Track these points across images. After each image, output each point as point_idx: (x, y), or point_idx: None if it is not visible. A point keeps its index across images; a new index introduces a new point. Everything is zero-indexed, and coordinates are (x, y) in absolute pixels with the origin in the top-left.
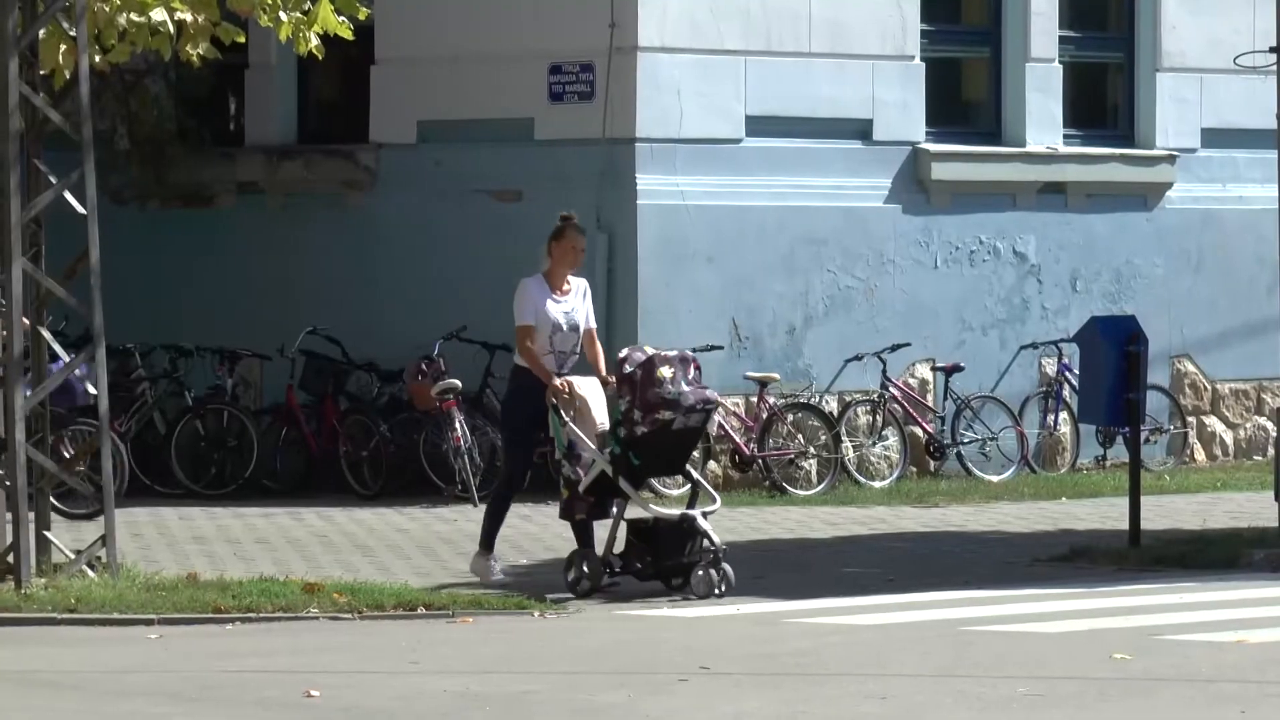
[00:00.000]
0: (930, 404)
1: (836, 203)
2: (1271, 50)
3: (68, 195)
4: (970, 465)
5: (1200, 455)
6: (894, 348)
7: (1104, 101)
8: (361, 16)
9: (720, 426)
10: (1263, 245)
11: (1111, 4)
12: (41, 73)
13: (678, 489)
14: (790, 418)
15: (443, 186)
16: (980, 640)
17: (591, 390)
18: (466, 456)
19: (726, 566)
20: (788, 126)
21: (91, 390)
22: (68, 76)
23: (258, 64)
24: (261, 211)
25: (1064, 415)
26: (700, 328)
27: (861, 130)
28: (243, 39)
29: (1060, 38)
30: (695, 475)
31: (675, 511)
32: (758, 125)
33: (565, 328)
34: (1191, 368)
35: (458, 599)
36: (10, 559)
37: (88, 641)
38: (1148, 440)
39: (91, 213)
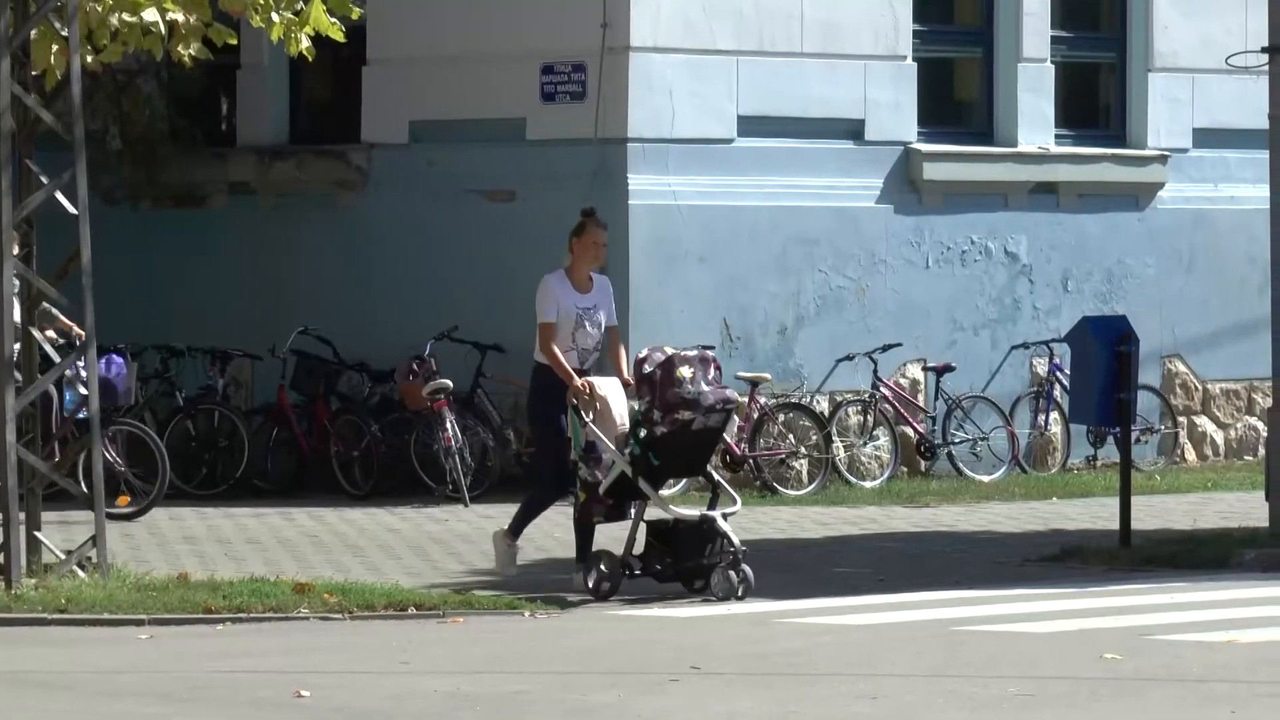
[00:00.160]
0: (921, 404)
1: (828, 203)
2: (1263, 50)
3: (59, 195)
4: (961, 465)
5: (1191, 455)
6: (885, 348)
7: (1096, 101)
8: (354, 17)
9: None
10: (1254, 245)
11: (1104, 4)
12: (33, 73)
13: (668, 489)
14: (781, 418)
15: (435, 187)
16: (971, 640)
17: (612, 391)
18: (458, 457)
19: (746, 568)
20: (780, 126)
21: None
22: (59, 76)
23: (249, 64)
24: (253, 212)
25: (1055, 415)
26: (692, 327)
27: (853, 130)
28: (234, 40)
29: (1052, 38)
30: (716, 477)
31: (695, 512)
32: (750, 125)
33: (587, 325)
34: (1182, 368)
35: (449, 599)
36: (1, 559)
37: (78, 642)
38: (1138, 440)
39: (83, 213)
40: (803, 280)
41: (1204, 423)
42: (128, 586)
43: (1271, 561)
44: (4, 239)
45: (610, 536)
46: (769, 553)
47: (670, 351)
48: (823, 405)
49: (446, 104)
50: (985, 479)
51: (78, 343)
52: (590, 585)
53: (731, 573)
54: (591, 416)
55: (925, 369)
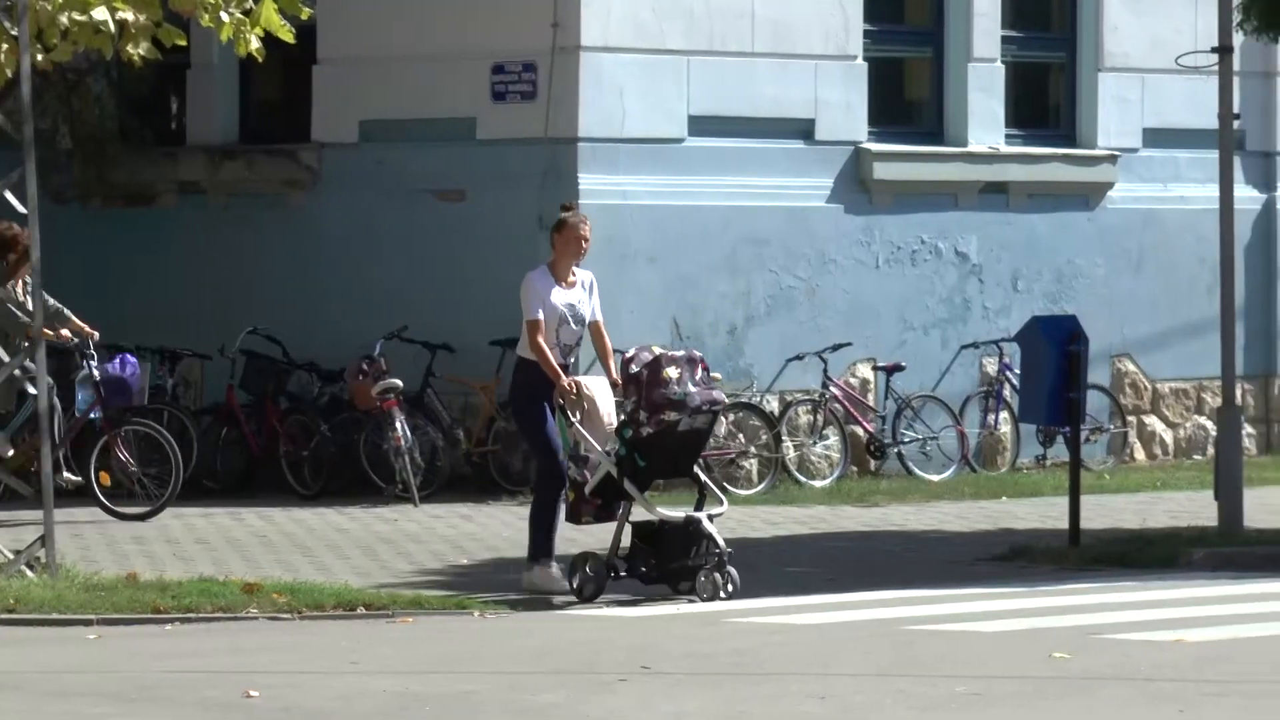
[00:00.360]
0: (871, 403)
1: (779, 202)
2: (1213, 50)
3: (9, 195)
4: (911, 465)
5: (1140, 454)
6: (835, 347)
7: (1046, 101)
8: (304, 16)
9: None
10: (1203, 245)
11: (1054, 4)
12: None
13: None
14: (731, 417)
15: (385, 186)
16: (920, 639)
17: (600, 390)
18: (407, 456)
19: (732, 569)
20: (730, 126)
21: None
22: (9, 75)
23: (199, 64)
24: (203, 211)
25: (1004, 415)
26: (642, 327)
27: (804, 130)
28: (184, 40)
29: (1002, 38)
30: (703, 478)
31: (681, 513)
32: (700, 125)
33: (571, 321)
34: (1132, 367)
35: (398, 599)
36: None
37: (26, 642)
38: (1088, 439)
39: (33, 212)
40: (753, 280)
41: (1153, 422)
42: (76, 587)
43: (1220, 561)
44: None
45: (592, 538)
46: None
47: (658, 351)
48: (773, 405)
49: (397, 103)
50: (935, 478)
51: (91, 343)
52: (575, 587)
53: (717, 574)
54: (579, 416)
55: (875, 368)
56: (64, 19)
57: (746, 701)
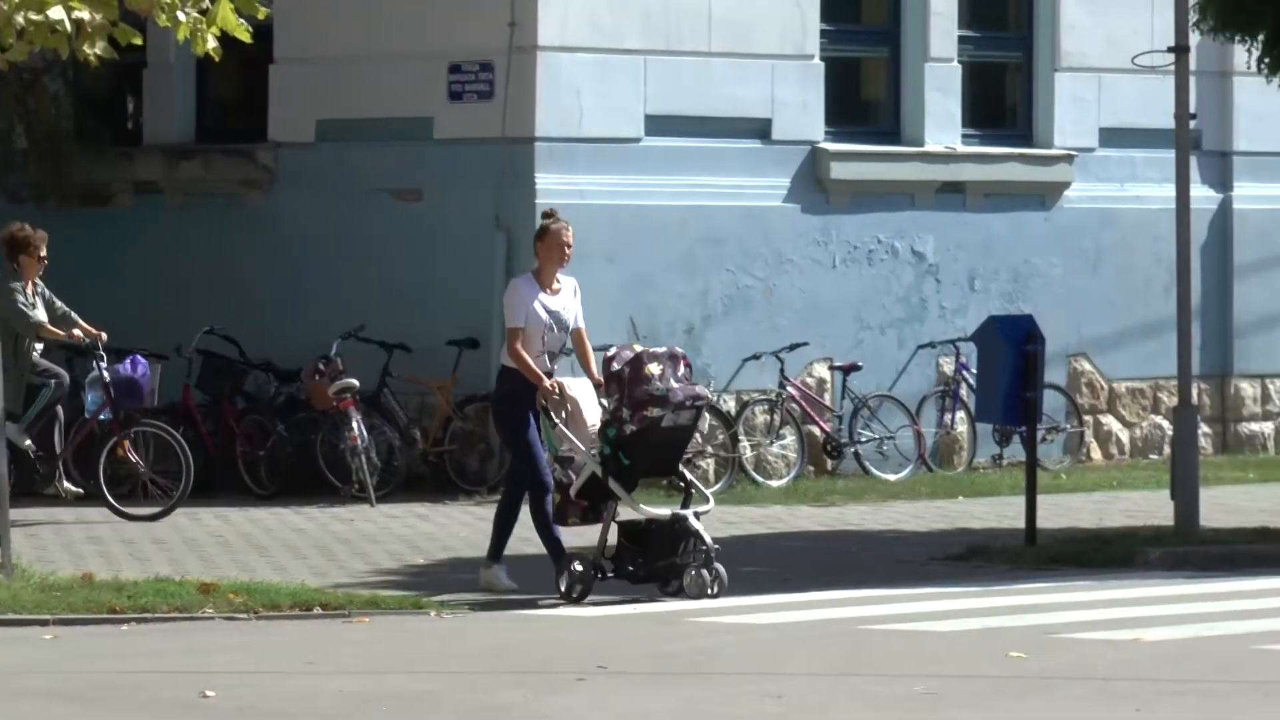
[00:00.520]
0: (828, 403)
1: (736, 202)
2: (1169, 50)
3: None
4: (867, 464)
5: (1097, 454)
6: (792, 347)
7: (1003, 101)
8: (261, 16)
9: None
10: (1160, 245)
11: (1010, 4)
12: None
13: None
14: None
15: (342, 186)
16: (877, 639)
17: (583, 392)
18: (364, 456)
19: (719, 566)
20: (687, 126)
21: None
22: None
23: (156, 63)
24: (160, 211)
25: (961, 414)
26: (599, 327)
27: (761, 130)
28: (140, 39)
29: (959, 37)
30: (689, 476)
31: (667, 511)
32: (657, 125)
33: (556, 328)
34: (1088, 367)
35: (354, 599)
36: None
37: None
38: (1044, 439)
39: None
40: (710, 280)
41: (1110, 421)
42: (32, 587)
43: (1176, 560)
44: None
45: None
46: None
47: (639, 349)
48: (729, 404)
49: (354, 103)
50: (891, 478)
51: (99, 345)
52: (563, 589)
53: (705, 571)
54: (563, 417)
55: (832, 368)
56: (20, 19)
57: (704, 700)
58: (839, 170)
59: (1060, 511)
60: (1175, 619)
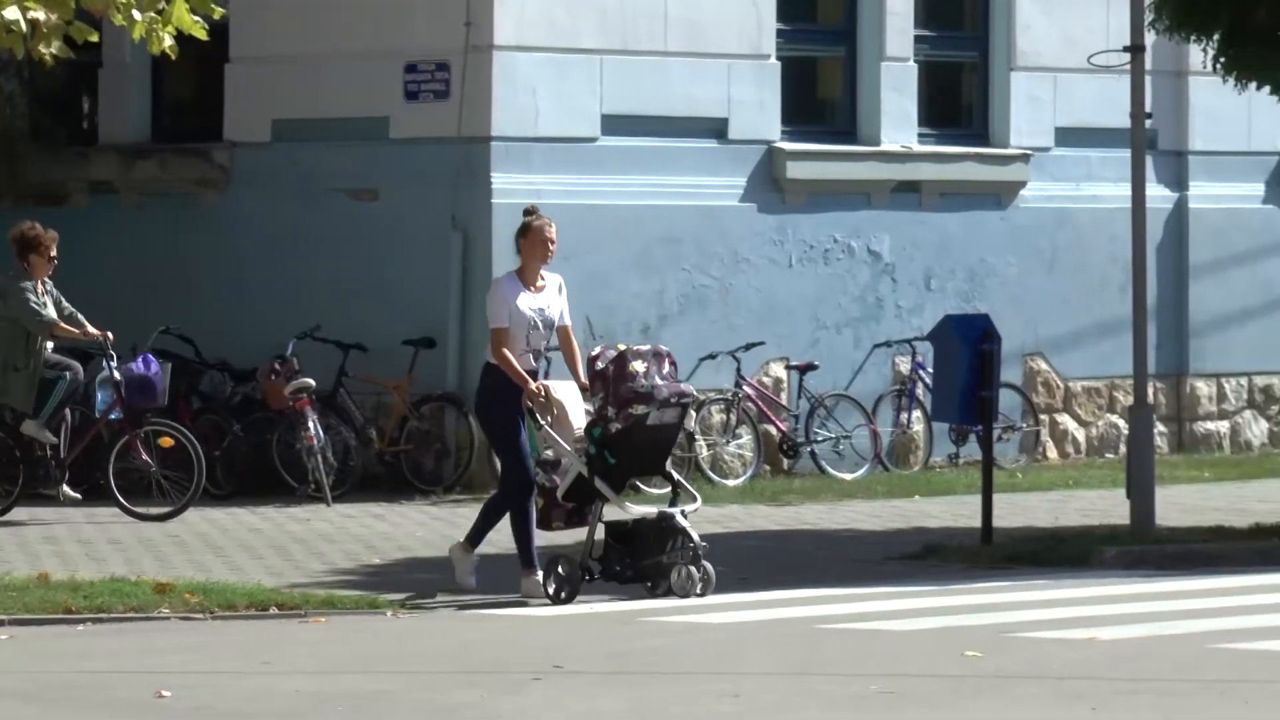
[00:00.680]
0: (784, 402)
1: (692, 201)
2: (1125, 49)
3: None
4: (824, 464)
5: (1053, 453)
6: (748, 346)
7: (959, 100)
8: (216, 16)
9: None
10: (1116, 244)
11: (966, 3)
12: None
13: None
14: None
15: (298, 185)
16: (833, 638)
17: (569, 394)
18: (320, 456)
19: (707, 564)
20: (644, 125)
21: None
22: None
23: (112, 62)
24: (115, 210)
25: (917, 413)
26: None
27: (717, 129)
28: (96, 38)
29: (915, 37)
30: (676, 476)
31: (654, 510)
32: (614, 124)
33: (540, 326)
34: (1044, 366)
35: (311, 599)
36: None
37: None
38: (1000, 438)
39: None
40: (666, 279)
41: (1066, 420)
42: None
43: (1132, 559)
44: None
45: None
46: None
47: (623, 348)
48: None
49: (309, 102)
50: (848, 477)
51: (108, 345)
52: (550, 592)
53: (692, 569)
54: (549, 420)
55: (788, 367)
56: None
57: (660, 700)
58: (795, 170)
59: (1016, 510)
60: (1131, 618)
